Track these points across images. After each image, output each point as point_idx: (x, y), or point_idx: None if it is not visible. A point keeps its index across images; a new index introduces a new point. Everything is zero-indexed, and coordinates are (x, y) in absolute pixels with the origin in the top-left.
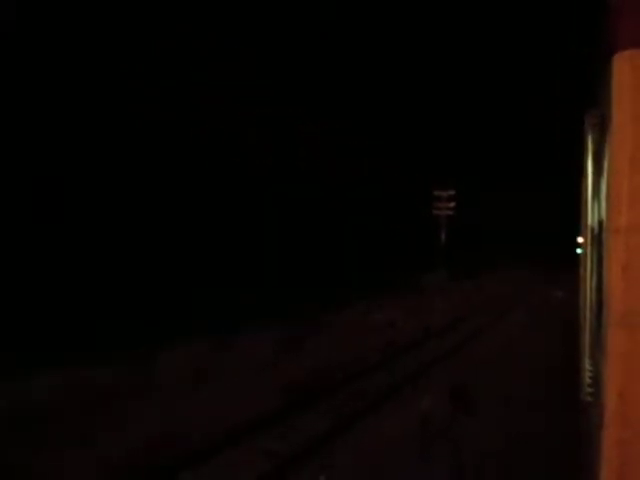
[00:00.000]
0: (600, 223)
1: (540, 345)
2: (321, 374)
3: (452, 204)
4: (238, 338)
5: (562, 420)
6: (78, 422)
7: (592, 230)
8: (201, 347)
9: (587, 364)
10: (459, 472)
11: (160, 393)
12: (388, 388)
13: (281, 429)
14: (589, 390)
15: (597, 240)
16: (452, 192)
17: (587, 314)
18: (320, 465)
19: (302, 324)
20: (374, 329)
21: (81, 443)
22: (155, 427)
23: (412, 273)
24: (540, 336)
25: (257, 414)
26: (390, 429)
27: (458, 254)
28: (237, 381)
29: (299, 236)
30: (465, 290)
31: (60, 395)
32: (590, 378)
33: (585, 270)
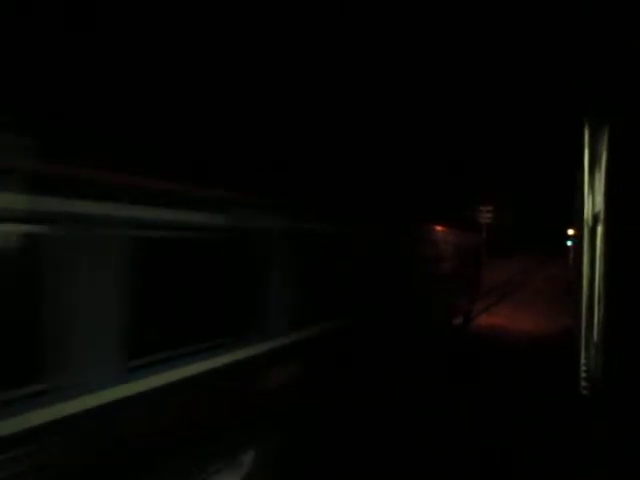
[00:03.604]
0: (595, 216)
1: (548, 288)
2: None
3: (490, 215)
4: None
5: (560, 298)
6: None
7: (587, 223)
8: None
9: (582, 358)
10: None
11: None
12: (503, 294)
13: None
14: (584, 384)
15: (592, 233)
16: (490, 207)
17: (583, 309)
18: (509, 298)
19: None
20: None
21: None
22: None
23: None
24: (546, 286)
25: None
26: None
27: (495, 247)
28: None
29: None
30: (503, 266)
31: None
32: (585, 372)
33: (581, 264)
